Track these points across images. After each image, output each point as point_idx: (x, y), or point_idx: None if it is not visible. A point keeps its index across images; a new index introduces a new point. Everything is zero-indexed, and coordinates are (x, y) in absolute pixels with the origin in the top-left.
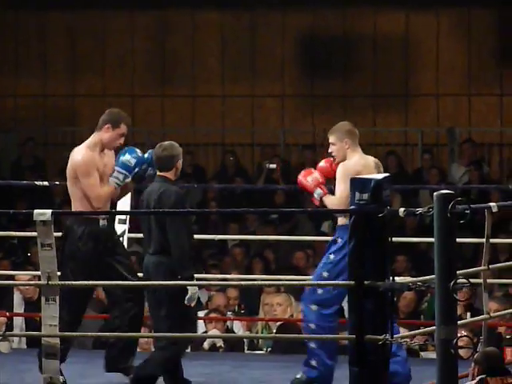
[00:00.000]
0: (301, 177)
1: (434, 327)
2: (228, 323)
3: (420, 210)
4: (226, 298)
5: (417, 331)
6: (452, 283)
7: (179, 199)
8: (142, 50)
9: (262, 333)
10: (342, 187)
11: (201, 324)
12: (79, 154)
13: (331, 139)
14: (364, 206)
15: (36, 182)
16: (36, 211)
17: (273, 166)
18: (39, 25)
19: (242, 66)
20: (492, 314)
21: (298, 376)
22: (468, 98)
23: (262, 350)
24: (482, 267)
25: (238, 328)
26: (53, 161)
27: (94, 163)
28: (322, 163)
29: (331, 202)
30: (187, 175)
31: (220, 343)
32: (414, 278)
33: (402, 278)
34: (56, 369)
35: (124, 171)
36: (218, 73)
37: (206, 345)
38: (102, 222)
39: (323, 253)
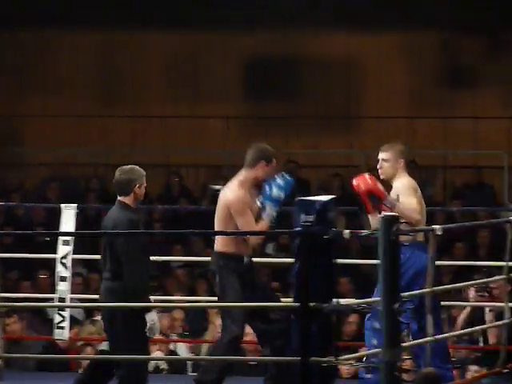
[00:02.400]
0: (369, 181)
1: (379, 349)
2: (172, 345)
3: (364, 232)
4: (170, 319)
5: (361, 353)
6: (396, 305)
7: (131, 226)
8: (85, 69)
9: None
10: (414, 200)
11: None
12: (233, 192)
13: (385, 156)
14: (309, 228)
15: None
16: None
17: (218, 187)
18: None
19: (185, 87)
20: (437, 337)
21: None
22: (411, 121)
23: None
24: (426, 289)
25: (183, 350)
26: None
27: (248, 201)
28: (369, 178)
29: (403, 210)
30: None
31: (163, 365)
32: (359, 300)
33: (346, 299)
34: None
35: (276, 207)
36: (164, 93)
37: (149, 367)
38: (246, 259)
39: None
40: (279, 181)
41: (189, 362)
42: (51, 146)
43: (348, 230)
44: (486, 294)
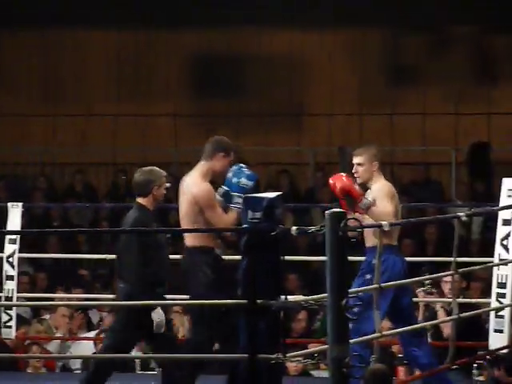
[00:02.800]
0: (345, 181)
1: (327, 346)
2: None
3: (312, 228)
4: None
5: (309, 350)
6: (344, 302)
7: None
8: (34, 68)
9: None
10: (389, 204)
11: (90, 345)
12: (198, 186)
13: (359, 160)
14: (257, 225)
15: None
16: None
17: (166, 184)
18: None
19: (133, 86)
20: (384, 333)
21: None
22: (360, 117)
23: (153, 371)
24: (373, 286)
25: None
26: None
27: (213, 193)
28: (346, 178)
29: (378, 214)
30: (78, 195)
31: None
32: (307, 297)
33: (294, 296)
34: None
35: (242, 195)
36: (110, 92)
37: None
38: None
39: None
40: (246, 170)
41: (137, 361)
42: None
43: (295, 227)
44: (434, 291)
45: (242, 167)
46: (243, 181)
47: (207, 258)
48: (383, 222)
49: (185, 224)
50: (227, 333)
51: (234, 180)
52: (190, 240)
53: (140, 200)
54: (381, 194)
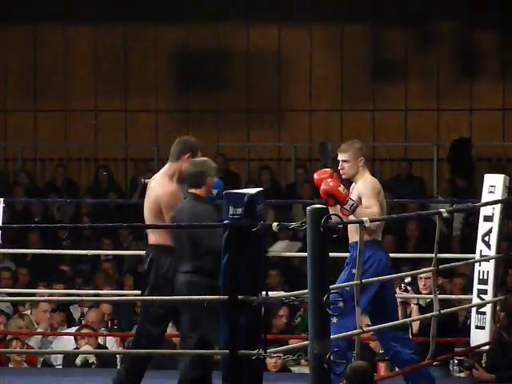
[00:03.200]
0: (331, 183)
1: (308, 342)
2: (100, 339)
3: (293, 224)
4: (99, 313)
5: (290, 346)
6: (325, 298)
7: (212, 217)
8: (14, 64)
9: None
10: (375, 201)
11: (71, 340)
12: (163, 187)
13: (344, 157)
14: (238, 221)
15: None
16: None
17: (148, 180)
18: None
19: (114, 81)
20: (365, 329)
21: None
22: (341, 113)
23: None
24: (354, 282)
25: (112, 343)
26: None
27: (179, 195)
28: (331, 180)
29: (366, 214)
30: (59, 190)
31: (93, 359)
32: (288, 293)
33: (275, 292)
34: None
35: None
36: (91, 87)
37: (78, 361)
38: None
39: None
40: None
41: (118, 356)
42: None
43: (276, 223)
44: (409, 289)
45: None
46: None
47: (169, 257)
48: (364, 218)
49: (148, 222)
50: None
51: None
52: (153, 238)
53: (194, 191)
54: (366, 192)
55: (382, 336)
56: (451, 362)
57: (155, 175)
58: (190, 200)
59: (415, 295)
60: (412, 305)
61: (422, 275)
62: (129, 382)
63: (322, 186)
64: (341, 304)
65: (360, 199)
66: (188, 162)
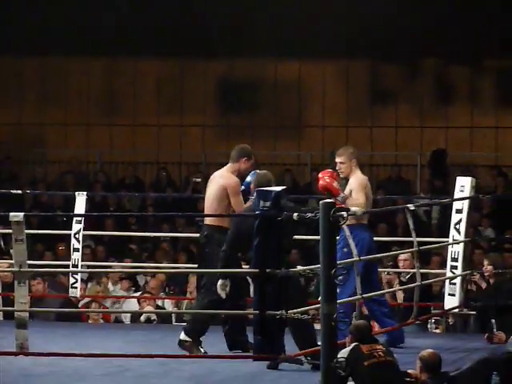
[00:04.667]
0: (327, 180)
1: (319, 305)
2: (159, 301)
3: (309, 214)
4: (158, 282)
5: (306, 308)
6: (333, 271)
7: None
8: (96, 88)
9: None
10: (361, 194)
11: (136, 302)
12: (229, 178)
13: (341, 159)
14: (266, 212)
15: (12, 191)
16: (11, 214)
17: (197, 179)
18: (16, 68)
19: (173, 102)
20: (363, 295)
21: None
22: (346, 129)
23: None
24: (354, 259)
25: (168, 305)
26: (25, 175)
27: (239, 185)
28: (328, 178)
29: (354, 204)
30: (129, 186)
31: (154, 317)
32: (304, 267)
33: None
34: (26, 336)
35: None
36: (154, 107)
37: (142, 318)
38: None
39: None
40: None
41: (173, 315)
42: (67, 148)
43: (296, 214)
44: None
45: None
46: (247, 179)
47: (221, 236)
48: (355, 209)
49: (210, 206)
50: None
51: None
52: (209, 220)
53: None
54: (356, 186)
55: (369, 302)
56: (429, 321)
57: (214, 173)
58: None
59: (402, 270)
60: (396, 280)
61: (401, 257)
62: (196, 330)
63: (320, 182)
64: (341, 276)
65: (351, 192)
66: (244, 164)
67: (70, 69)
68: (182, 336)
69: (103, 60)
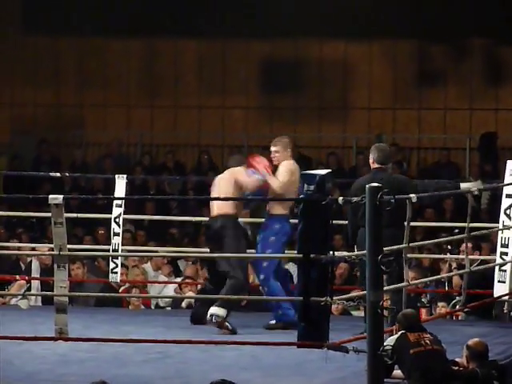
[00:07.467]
0: (259, 161)
1: (365, 292)
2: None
3: (355, 198)
4: (194, 269)
5: (351, 294)
6: (380, 257)
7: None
8: (136, 69)
9: None
10: (285, 175)
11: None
12: (233, 171)
13: (275, 148)
14: (311, 196)
15: (51, 174)
16: (51, 196)
17: None
18: (54, 49)
19: (214, 84)
20: (411, 282)
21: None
22: (393, 111)
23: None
24: (403, 245)
25: None
26: (64, 157)
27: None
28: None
29: (275, 182)
30: (170, 169)
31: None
32: (349, 253)
33: (339, 252)
34: (65, 322)
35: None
36: (195, 89)
37: (183, 304)
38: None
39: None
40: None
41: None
42: (107, 130)
43: (341, 198)
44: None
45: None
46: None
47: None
48: (411, 195)
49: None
50: None
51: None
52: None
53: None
54: (281, 171)
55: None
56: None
57: (215, 179)
58: (379, 172)
59: (455, 255)
60: (454, 264)
61: (463, 246)
62: (230, 305)
63: (250, 163)
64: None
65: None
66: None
67: (109, 49)
68: (215, 310)
69: (143, 40)
